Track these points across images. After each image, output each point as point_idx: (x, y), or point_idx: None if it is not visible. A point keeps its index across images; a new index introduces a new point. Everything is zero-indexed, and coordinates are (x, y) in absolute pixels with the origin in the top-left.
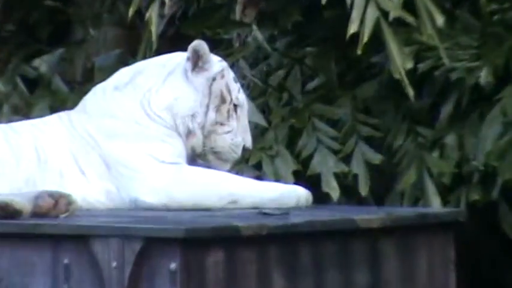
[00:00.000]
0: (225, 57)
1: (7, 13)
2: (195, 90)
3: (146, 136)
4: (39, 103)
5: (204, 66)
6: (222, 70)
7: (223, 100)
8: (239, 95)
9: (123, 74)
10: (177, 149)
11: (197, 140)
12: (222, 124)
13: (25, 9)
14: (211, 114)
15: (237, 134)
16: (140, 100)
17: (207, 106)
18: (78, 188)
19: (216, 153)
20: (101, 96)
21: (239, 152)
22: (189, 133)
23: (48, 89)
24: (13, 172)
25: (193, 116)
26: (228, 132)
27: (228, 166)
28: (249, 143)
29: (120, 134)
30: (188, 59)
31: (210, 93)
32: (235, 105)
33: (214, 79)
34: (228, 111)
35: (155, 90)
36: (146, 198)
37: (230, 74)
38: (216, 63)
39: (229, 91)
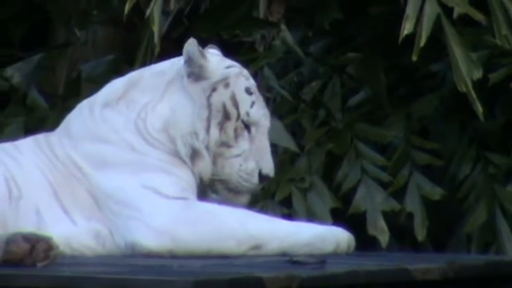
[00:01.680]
0: (246, 64)
1: None
2: (191, 100)
3: (145, 165)
4: (11, 122)
5: (200, 73)
6: (226, 78)
7: (227, 116)
8: (252, 110)
9: (115, 87)
10: (184, 181)
11: (205, 164)
12: (229, 146)
13: None
14: (214, 132)
15: (248, 159)
16: (134, 120)
17: (208, 120)
18: (60, 230)
19: (224, 183)
20: (87, 115)
21: (253, 180)
22: (194, 154)
23: (23, 105)
24: None
25: (194, 133)
26: (237, 156)
27: (243, 199)
28: (267, 168)
29: (113, 163)
30: (185, 62)
31: (209, 106)
32: (245, 124)
33: (214, 89)
34: (235, 130)
35: (152, 107)
36: (146, 243)
37: (241, 83)
38: (219, 69)
39: (236, 105)
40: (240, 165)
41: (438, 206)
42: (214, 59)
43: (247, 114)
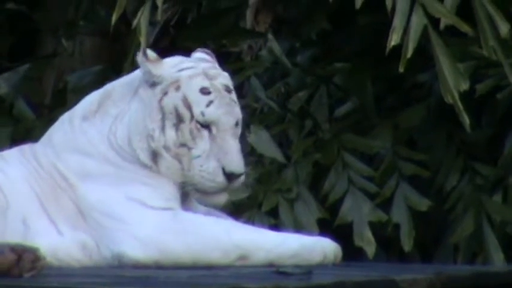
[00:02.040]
0: (232, 73)
1: None
2: (144, 104)
3: (126, 179)
4: None
5: (150, 78)
6: (177, 81)
7: (180, 118)
8: (207, 110)
9: (91, 100)
10: (167, 191)
11: (168, 164)
12: (188, 148)
13: None
14: (170, 133)
15: (209, 159)
16: (107, 134)
17: (162, 121)
18: (47, 240)
19: (192, 185)
20: (68, 128)
21: (217, 179)
22: (155, 156)
23: (10, 115)
24: None
25: (148, 135)
26: (198, 157)
27: (218, 200)
28: (231, 166)
29: (95, 175)
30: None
31: (161, 108)
32: (201, 124)
33: (165, 93)
34: (191, 132)
35: (120, 119)
36: (133, 253)
37: (195, 84)
38: (170, 72)
39: (188, 106)
40: (201, 166)
41: (425, 216)
42: (169, 63)
43: (202, 114)
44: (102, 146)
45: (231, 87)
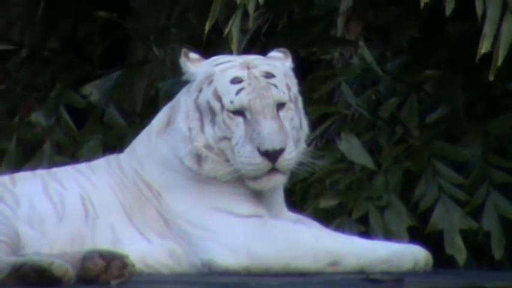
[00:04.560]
0: (322, 81)
1: (50, 27)
2: (182, 109)
3: (206, 190)
4: (89, 140)
5: (189, 78)
6: (211, 75)
7: (213, 111)
8: (237, 97)
9: (162, 113)
10: (253, 198)
11: (213, 163)
12: (228, 138)
13: (72, 22)
14: (208, 130)
15: (245, 143)
16: (176, 148)
17: (201, 120)
18: (136, 248)
19: (244, 175)
20: (147, 142)
21: (255, 161)
22: (198, 158)
23: (101, 122)
24: (55, 230)
25: (187, 138)
26: (236, 144)
27: (260, 185)
28: (265, 144)
29: (176, 186)
30: None
31: (197, 107)
32: (233, 112)
33: (200, 90)
34: (224, 121)
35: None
36: (223, 260)
37: (227, 75)
38: (206, 68)
39: (218, 98)
40: (239, 152)
41: None
42: (207, 61)
43: (231, 102)
44: (175, 159)
45: (275, 73)
